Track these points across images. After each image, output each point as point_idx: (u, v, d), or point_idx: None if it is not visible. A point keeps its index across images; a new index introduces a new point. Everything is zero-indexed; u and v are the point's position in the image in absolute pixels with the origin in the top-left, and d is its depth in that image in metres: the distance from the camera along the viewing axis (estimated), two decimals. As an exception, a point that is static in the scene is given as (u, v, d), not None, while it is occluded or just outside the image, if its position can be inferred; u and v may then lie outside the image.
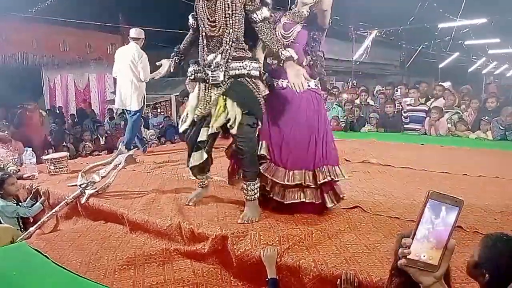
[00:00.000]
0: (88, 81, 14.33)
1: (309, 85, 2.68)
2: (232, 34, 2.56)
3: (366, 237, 2.40)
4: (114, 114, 10.86)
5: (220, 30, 2.57)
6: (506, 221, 2.63)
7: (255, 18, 2.58)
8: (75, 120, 10.73)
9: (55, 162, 4.36)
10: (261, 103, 2.67)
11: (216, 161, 4.67)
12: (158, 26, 10.71)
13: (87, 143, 7.75)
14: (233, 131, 2.59)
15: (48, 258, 2.63)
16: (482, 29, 12.51)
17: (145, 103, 5.60)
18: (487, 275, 1.32)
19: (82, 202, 3.30)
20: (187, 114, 2.78)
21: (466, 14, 10.94)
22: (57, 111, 11.87)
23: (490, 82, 13.00)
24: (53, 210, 3.33)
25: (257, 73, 2.67)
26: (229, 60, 2.57)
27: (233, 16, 2.54)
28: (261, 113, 2.68)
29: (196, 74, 2.73)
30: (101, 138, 8.30)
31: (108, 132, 9.09)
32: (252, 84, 2.63)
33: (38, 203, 3.65)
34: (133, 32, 5.30)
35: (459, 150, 5.43)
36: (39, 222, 3.28)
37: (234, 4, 2.54)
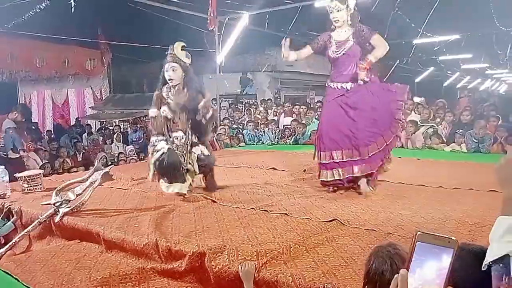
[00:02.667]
0: (67, 96, 14.13)
1: None
2: None
3: (343, 250, 2.41)
4: (92, 130, 10.69)
5: None
6: (480, 232, 2.68)
7: None
8: (52, 136, 10.51)
9: (29, 179, 4.24)
10: None
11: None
12: (138, 41, 10.70)
13: (66, 159, 7.60)
14: None
15: (19, 281, 2.53)
16: (455, 45, 12.96)
17: None
18: None
19: (56, 221, 3.21)
20: None
21: (439, 30, 11.33)
22: (33, 127, 11.58)
23: (463, 96, 13.42)
24: (25, 230, 3.22)
25: None
26: None
27: None
28: None
29: None
30: (78, 154, 8.15)
31: (86, 148, 8.93)
32: None
33: (9, 222, 3.53)
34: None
35: (435, 163, 5.55)
36: (10, 243, 3.17)
37: None
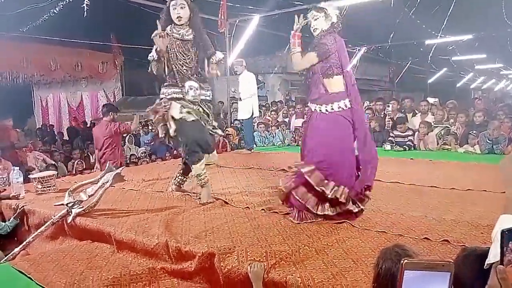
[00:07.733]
0: (81, 99, 14.36)
1: None
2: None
3: (353, 252, 2.39)
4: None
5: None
6: (493, 234, 2.64)
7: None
8: (63, 138, 10.66)
9: (43, 181, 4.30)
10: None
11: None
12: (149, 44, 10.80)
13: (78, 160, 7.69)
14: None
15: (32, 280, 2.57)
16: (468, 45, 12.81)
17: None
18: None
19: (69, 221, 3.25)
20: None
21: (452, 31, 11.20)
22: (48, 130, 11.79)
23: (477, 97, 13.23)
24: (39, 230, 3.28)
25: None
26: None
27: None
28: None
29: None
30: (91, 156, 8.24)
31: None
32: None
33: (11, 218, 3.63)
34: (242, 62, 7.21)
35: (447, 164, 5.47)
36: (24, 243, 3.22)
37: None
